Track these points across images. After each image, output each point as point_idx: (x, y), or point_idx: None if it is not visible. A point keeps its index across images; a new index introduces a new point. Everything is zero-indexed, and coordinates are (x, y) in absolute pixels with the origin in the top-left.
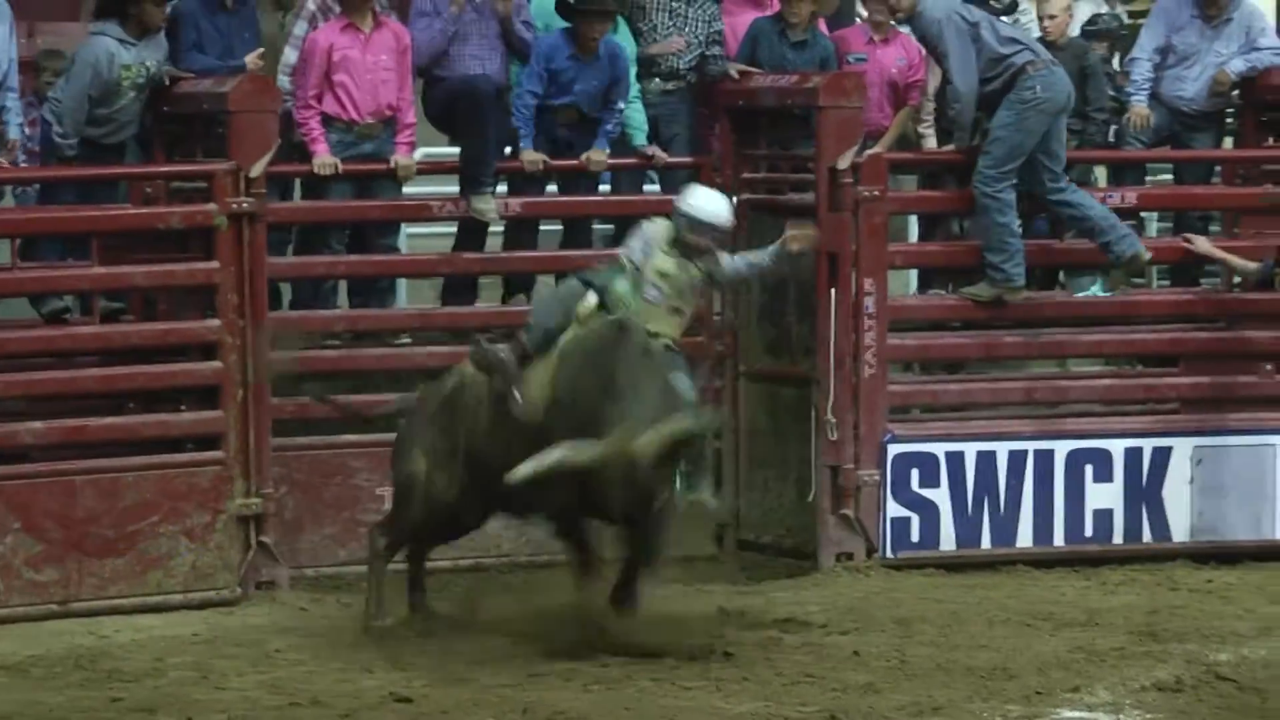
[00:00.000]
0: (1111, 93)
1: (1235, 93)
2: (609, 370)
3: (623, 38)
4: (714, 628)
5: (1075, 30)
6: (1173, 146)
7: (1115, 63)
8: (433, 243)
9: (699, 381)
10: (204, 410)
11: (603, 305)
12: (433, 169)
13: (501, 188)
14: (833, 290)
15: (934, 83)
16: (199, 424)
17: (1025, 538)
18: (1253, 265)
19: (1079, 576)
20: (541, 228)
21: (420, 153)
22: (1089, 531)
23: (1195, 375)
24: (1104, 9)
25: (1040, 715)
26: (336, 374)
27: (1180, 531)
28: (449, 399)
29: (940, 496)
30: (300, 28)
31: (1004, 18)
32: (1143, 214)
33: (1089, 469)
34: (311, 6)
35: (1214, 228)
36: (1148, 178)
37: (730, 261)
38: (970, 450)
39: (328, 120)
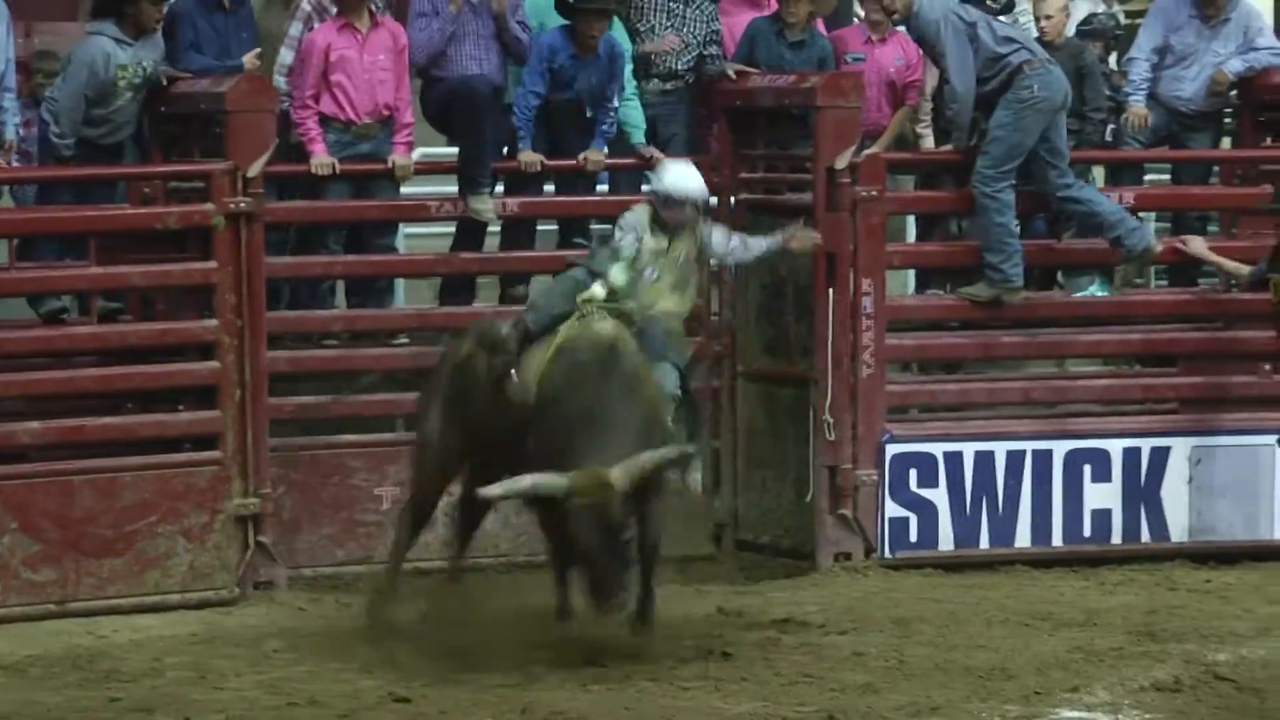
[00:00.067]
0: (1108, 92)
1: (1233, 93)
2: (592, 398)
3: (619, 36)
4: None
5: (1071, 30)
6: (1171, 146)
7: (1111, 62)
8: (430, 243)
9: (696, 376)
10: (202, 410)
11: (612, 294)
12: (430, 169)
13: (502, 188)
14: (831, 290)
15: (932, 83)
16: (197, 424)
17: (1024, 538)
18: (1245, 268)
19: (1077, 576)
20: (538, 227)
21: (418, 153)
22: (1087, 531)
23: (1193, 375)
24: (1100, 9)
25: (1039, 715)
26: (334, 374)
27: (1178, 531)
28: (462, 364)
29: (938, 496)
30: (296, 28)
31: (1001, 17)
32: (1141, 214)
33: (1087, 469)
34: (307, 7)
35: (1212, 228)
36: (1146, 178)
37: (727, 239)
38: (968, 450)
39: (325, 120)
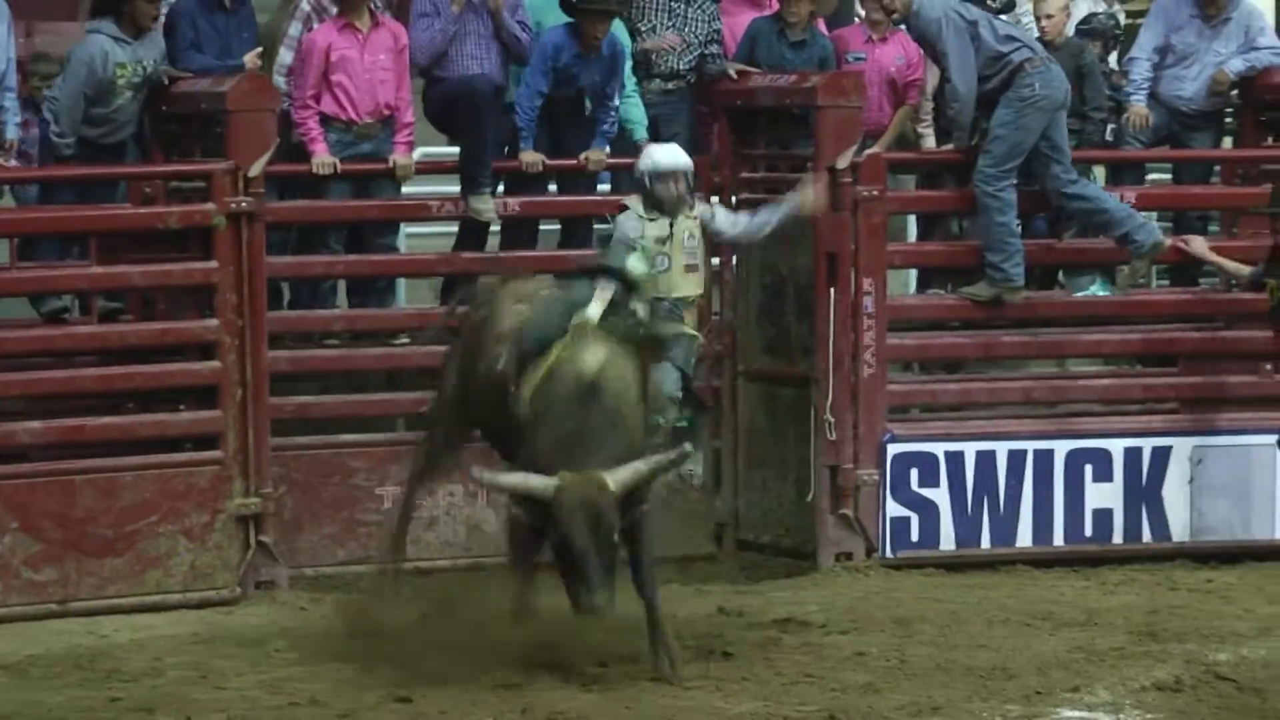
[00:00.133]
0: (1108, 92)
1: (1234, 92)
2: (572, 428)
3: (620, 33)
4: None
5: (1070, 30)
6: (1172, 146)
7: (1110, 62)
8: (432, 242)
9: (697, 375)
10: (202, 410)
11: (631, 286)
12: (431, 169)
13: (503, 187)
14: (832, 290)
15: (933, 82)
16: (197, 424)
17: (1025, 537)
18: (1245, 269)
19: (1078, 576)
20: (541, 227)
21: (419, 152)
22: (1089, 531)
23: (1194, 375)
24: (1099, 8)
25: (1040, 715)
26: (334, 374)
27: (1180, 531)
28: (476, 328)
29: (940, 496)
30: (295, 28)
31: (1002, 16)
32: (1142, 214)
33: (1088, 469)
34: (306, 7)
35: (1213, 228)
36: (1148, 177)
37: (730, 217)
38: (970, 450)
39: (326, 120)
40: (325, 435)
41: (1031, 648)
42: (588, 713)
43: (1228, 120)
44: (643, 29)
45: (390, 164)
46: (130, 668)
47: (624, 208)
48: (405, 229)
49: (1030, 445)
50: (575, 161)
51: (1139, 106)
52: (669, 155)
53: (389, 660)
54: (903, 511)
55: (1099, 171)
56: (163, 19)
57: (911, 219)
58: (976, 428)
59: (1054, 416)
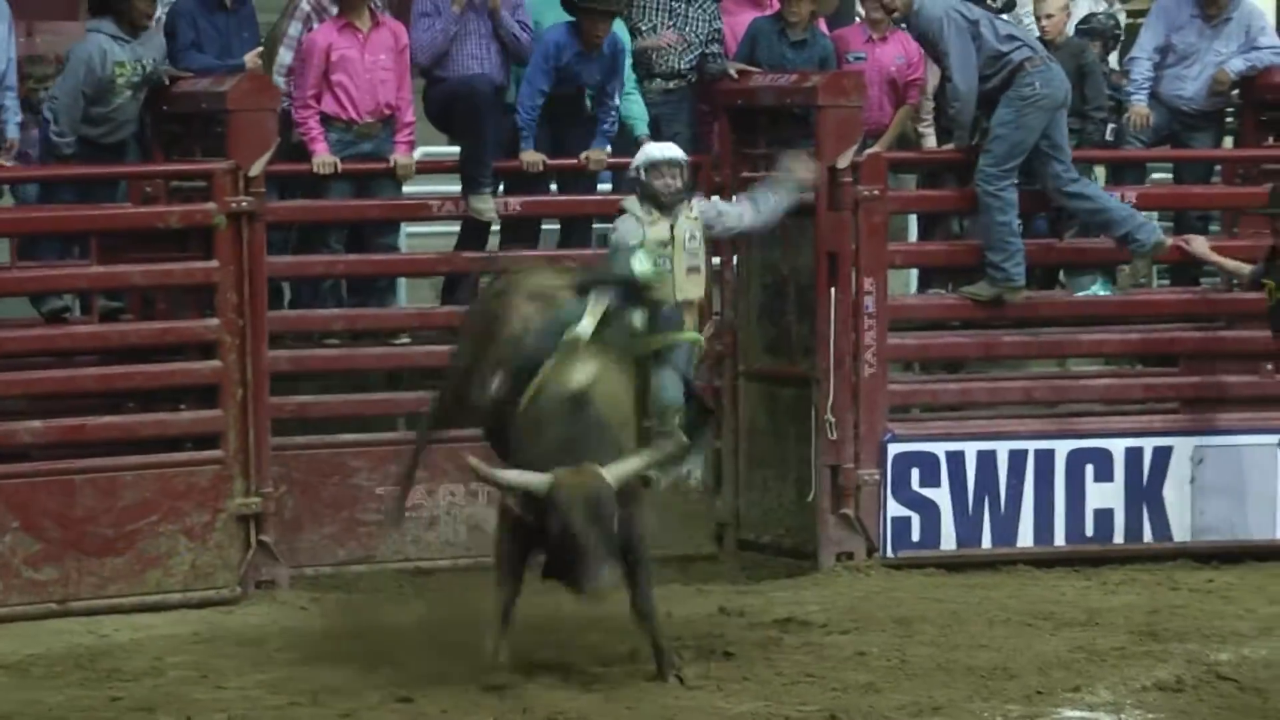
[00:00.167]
0: (1108, 92)
1: (1235, 92)
2: (557, 447)
3: (620, 30)
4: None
5: (1070, 30)
6: (1172, 146)
7: (1111, 62)
8: (432, 242)
9: (699, 375)
10: (203, 409)
11: (640, 290)
12: (432, 168)
13: (503, 187)
14: (832, 289)
15: (933, 81)
16: (198, 423)
17: (1026, 537)
18: (1246, 268)
19: (1080, 576)
20: (544, 227)
21: (419, 152)
22: (1090, 531)
23: (1195, 375)
24: (1099, 8)
25: (1041, 715)
26: (334, 373)
27: (1181, 531)
28: (489, 312)
29: (940, 496)
30: (295, 28)
31: (1003, 15)
32: (1142, 214)
33: (1090, 469)
34: (306, 7)
35: (1214, 227)
36: (1151, 177)
37: (735, 209)
38: (970, 450)
39: (326, 120)
40: (326, 435)
41: (1032, 647)
42: (588, 713)
43: (1228, 120)
44: (643, 29)
45: (391, 163)
46: (131, 667)
47: (622, 210)
48: (406, 228)
49: (1031, 445)
50: (576, 161)
51: (1140, 106)
52: (662, 148)
53: (390, 659)
54: (904, 511)
55: (1099, 171)
56: (163, 18)
57: (912, 218)
58: (977, 427)
59: (1055, 416)
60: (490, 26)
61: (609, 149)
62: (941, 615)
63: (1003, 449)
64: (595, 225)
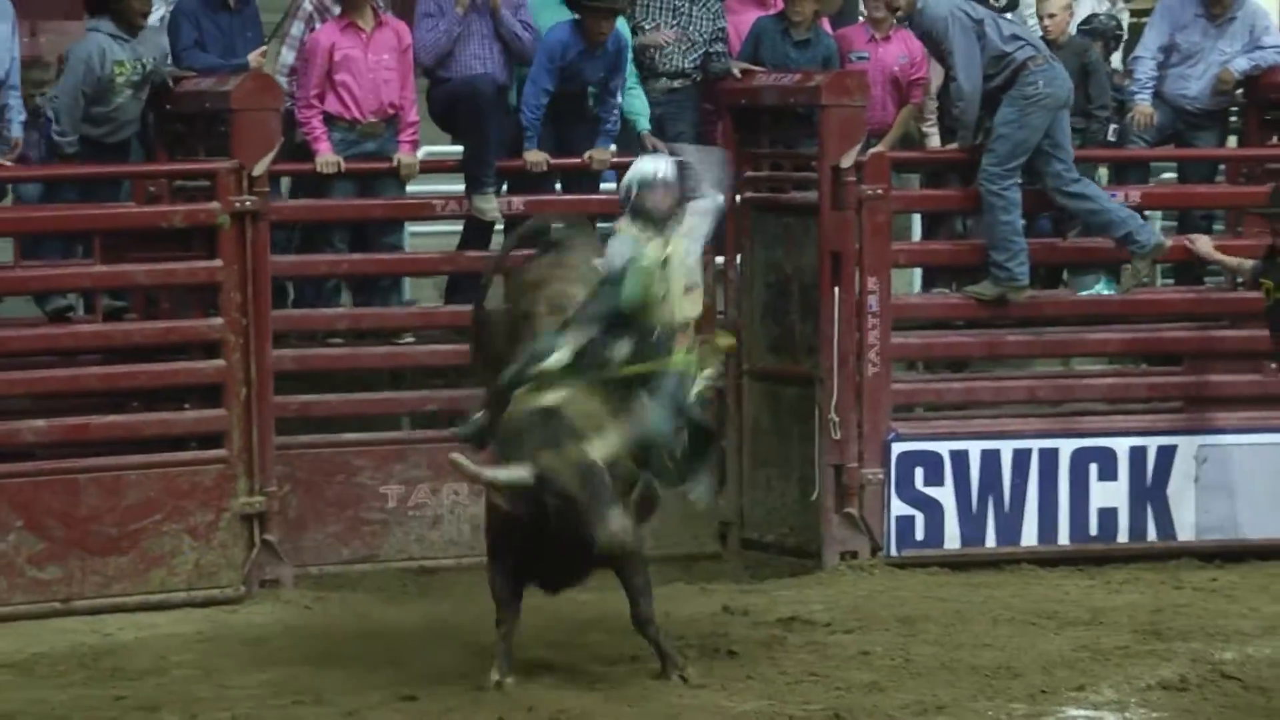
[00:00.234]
0: (1111, 92)
1: (1239, 91)
2: (538, 441)
3: (621, 27)
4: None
5: (1072, 30)
6: (1176, 145)
7: (1114, 62)
8: (436, 241)
9: (702, 399)
10: (207, 409)
11: (631, 316)
12: (435, 167)
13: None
14: (836, 289)
15: (937, 81)
16: (202, 422)
17: (1030, 536)
18: (1249, 263)
19: (1083, 575)
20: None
21: (423, 151)
22: (1094, 530)
23: (1199, 374)
24: (1101, 9)
25: (1045, 714)
26: (338, 372)
27: (1185, 530)
28: (517, 282)
29: (944, 495)
30: (297, 28)
31: (1006, 14)
32: (1147, 213)
33: (1094, 467)
34: (308, 7)
35: (1218, 226)
36: (1163, 176)
37: (698, 218)
38: (974, 449)
39: (330, 119)
40: (329, 434)
41: (1036, 646)
42: (592, 711)
43: (1232, 119)
44: (647, 27)
45: (395, 163)
46: (135, 666)
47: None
48: (409, 228)
49: (1035, 444)
50: (579, 161)
51: (1144, 105)
52: (654, 166)
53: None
54: (907, 510)
55: (1103, 170)
56: (164, 18)
57: (916, 218)
58: (981, 427)
59: (1059, 415)
60: (493, 26)
61: (613, 148)
62: (945, 614)
63: (1007, 448)
64: (599, 225)
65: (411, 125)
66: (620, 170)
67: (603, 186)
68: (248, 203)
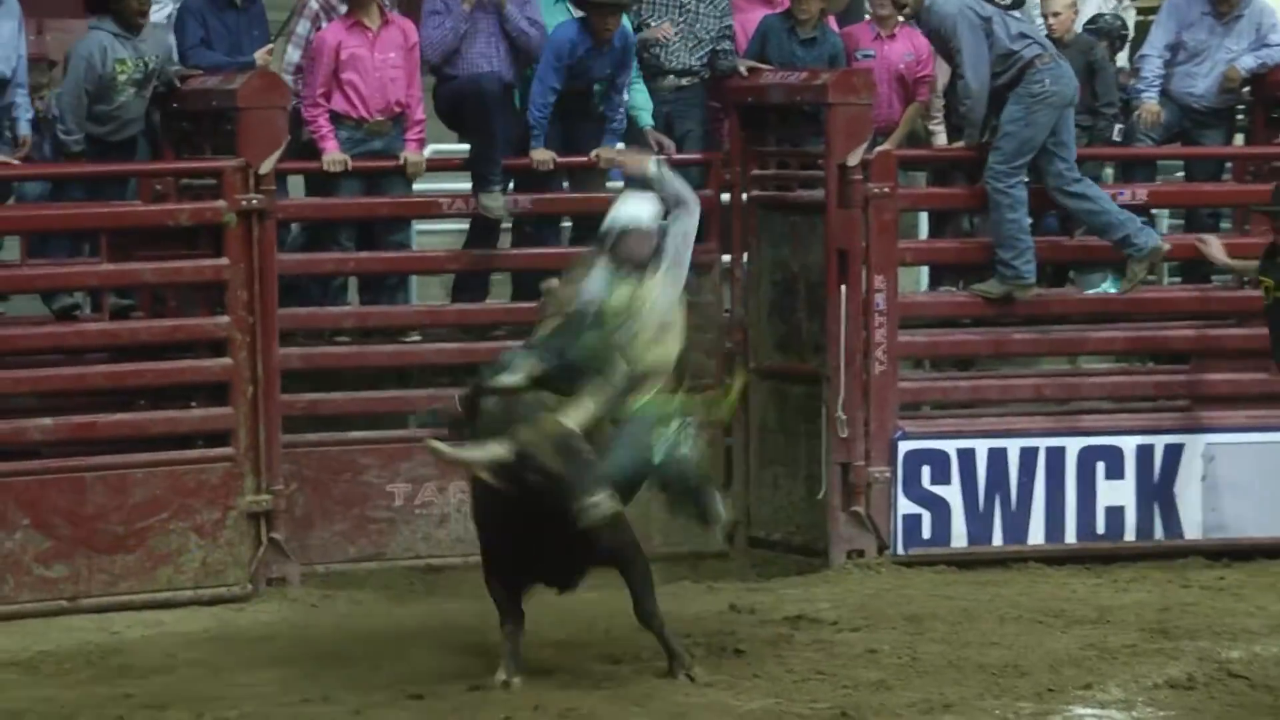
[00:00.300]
0: (1117, 90)
1: (1246, 89)
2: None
3: (626, 24)
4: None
5: (1078, 29)
6: (1183, 143)
7: (1120, 60)
8: (443, 239)
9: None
10: (213, 407)
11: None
12: (442, 165)
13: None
14: (843, 287)
15: (943, 79)
16: (208, 420)
17: (1037, 535)
18: (1254, 264)
19: (1090, 574)
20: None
21: (429, 149)
22: (1101, 529)
23: (1206, 373)
24: (1107, 8)
25: (1052, 712)
26: (345, 371)
27: (1192, 529)
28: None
29: (951, 493)
30: (303, 26)
31: (1013, 12)
32: (1153, 211)
33: (1101, 466)
34: (315, 5)
35: (1225, 224)
36: (1159, 175)
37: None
38: (981, 447)
39: (337, 118)
40: (336, 432)
41: (1044, 645)
42: (599, 711)
43: (1239, 117)
44: (652, 24)
45: (401, 161)
46: (142, 664)
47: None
48: (416, 226)
49: (1042, 442)
50: (586, 159)
51: (1151, 104)
52: (632, 215)
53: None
54: (914, 509)
55: (1108, 169)
56: (171, 15)
57: (923, 216)
58: (988, 425)
59: (1066, 414)
60: (499, 24)
61: (620, 146)
62: (952, 613)
63: (1014, 446)
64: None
65: (418, 124)
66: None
67: (609, 185)
68: (254, 201)
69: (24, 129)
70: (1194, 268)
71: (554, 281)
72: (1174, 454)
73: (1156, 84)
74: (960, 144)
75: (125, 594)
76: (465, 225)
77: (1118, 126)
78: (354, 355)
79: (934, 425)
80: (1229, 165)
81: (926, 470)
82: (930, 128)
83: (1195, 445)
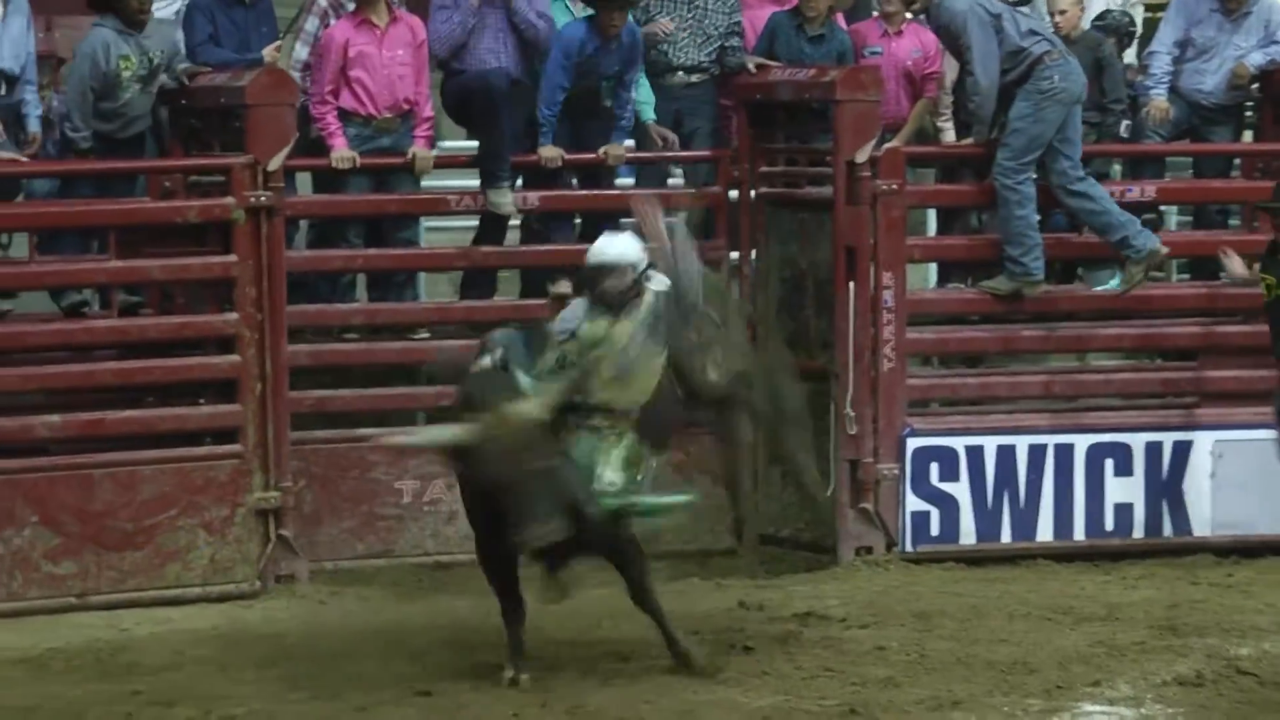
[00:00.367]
0: (1125, 87)
1: (1254, 86)
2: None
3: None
4: None
5: (1086, 25)
6: (1192, 140)
7: (1128, 57)
8: (451, 237)
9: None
10: (222, 404)
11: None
12: (450, 162)
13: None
14: (851, 284)
15: (951, 75)
16: (217, 417)
17: (1045, 532)
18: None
19: (1099, 571)
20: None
21: (437, 147)
22: (1109, 526)
23: (1214, 369)
24: (1115, 4)
25: (1061, 710)
26: (353, 368)
27: (1201, 526)
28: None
29: (960, 490)
30: (312, 24)
31: (1021, 9)
32: (1162, 208)
33: (1109, 463)
34: (323, 2)
35: (1233, 221)
36: (1168, 172)
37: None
38: (990, 444)
39: (345, 115)
40: (344, 429)
41: (1052, 642)
42: (607, 707)
43: (1248, 114)
44: (660, 19)
45: (410, 156)
46: (150, 661)
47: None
48: (424, 223)
49: (1050, 439)
50: (595, 156)
51: (1159, 100)
52: (614, 250)
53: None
54: (923, 506)
55: (1116, 165)
56: (180, 11)
57: (931, 213)
58: (996, 422)
59: (1074, 411)
60: (507, 19)
61: (630, 143)
62: (961, 610)
63: (1022, 443)
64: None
65: (427, 120)
66: (635, 166)
67: (618, 182)
68: (262, 198)
69: (33, 126)
70: (1202, 265)
71: (564, 284)
72: (1183, 451)
73: (1165, 81)
74: (968, 141)
75: (133, 591)
76: (473, 222)
77: (1125, 123)
78: (362, 352)
79: (942, 422)
80: (1237, 162)
81: (935, 467)
82: (938, 124)
83: (1204, 442)
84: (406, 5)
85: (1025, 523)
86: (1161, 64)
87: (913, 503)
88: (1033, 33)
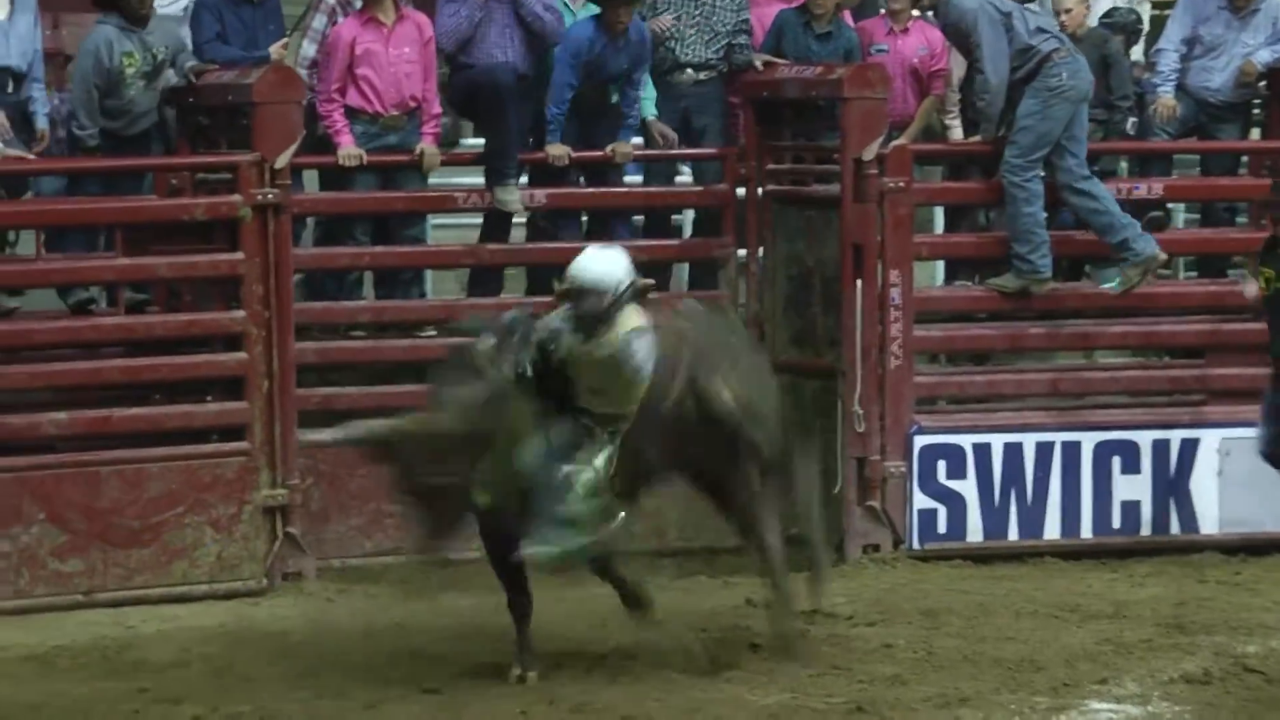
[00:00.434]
0: (1132, 85)
1: (1262, 84)
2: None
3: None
4: None
5: (1093, 22)
6: (1199, 137)
7: (1134, 54)
8: (457, 234)
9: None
10: (229, 401)
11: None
12: (457, 160)
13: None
14: (858, 282)
15: (959, 73)
16: (224, 415)
17: (1052, 529)
18: None
19: (1106, 568)
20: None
21: (460, 146)
22: (1116, 523)
23: (1222, 367)
24: (1121, 2)
25: (1068, 707)
26: (360, 365)
27: (1208, 523)
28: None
29: (967, 488)
30: (319, 21)
31: (1030, 6)
32: (1169, 205)
33: (1116, 461)
34: (330, 0)
35: (1241, 219)
36: (1175, 169)
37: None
38: (997, 442)
39: (352, 113)
40: None
41: (1059, 640)
42: (614, 705)
43: (1255, 111)
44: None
45: (417, 152)
46: (157, 659)
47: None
48: (431, 220)
49: (1057, 437)
50: (602, 154)
51: (1167, 98)
52: (596, 269)
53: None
54: (930, 503)
55: (1123, 163)
56: (187, 8)
57: (938, 210)
58: (1004, 419)
59: (1081, 408)
60: (514, 15)
61: (640, 140)
62: (968, 607)
63: (1029, 441)
64: (632, 218)
65: (434, 118)
66: (641, 164)
67: (626, 180)
68: (269, 195)
69: (41, 123)
70: (1209, 263)
71: None
72: (1189, 448)
73: (1173, 78)
74: (976, 138)
75: (140, 588)
76: (479, 220)
77: (1132, 120)
78: (369, 350)
79: (949, 420)
80: (1245, 159)
81: (942, 465)
82: (945, 122)
83: (1211, 440)
84: (413, 3)
85: (1032, 520)
86: (1169, 61)
87: (920, 500)
88: (1041, 30)
